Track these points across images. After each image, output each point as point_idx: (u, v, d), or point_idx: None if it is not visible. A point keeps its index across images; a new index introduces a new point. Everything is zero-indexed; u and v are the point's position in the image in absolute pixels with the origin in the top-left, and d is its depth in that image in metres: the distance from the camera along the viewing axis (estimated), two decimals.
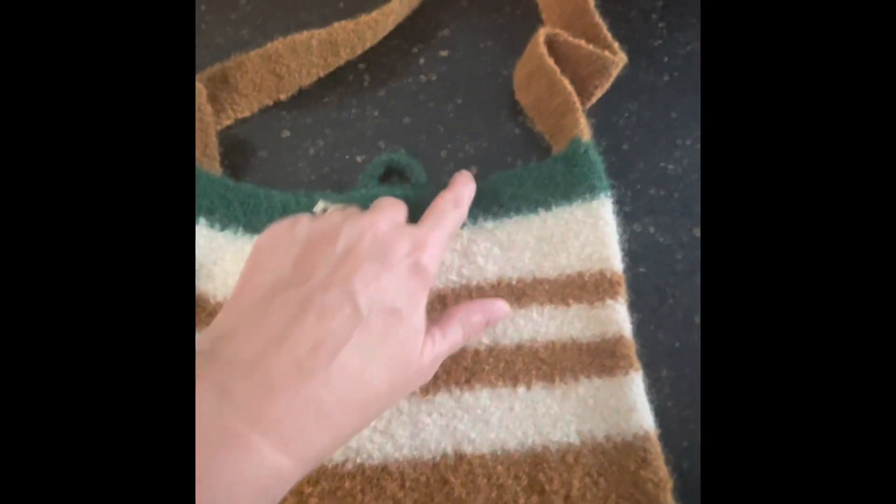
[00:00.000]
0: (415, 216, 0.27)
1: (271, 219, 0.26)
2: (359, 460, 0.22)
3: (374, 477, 0.22)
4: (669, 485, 0.22)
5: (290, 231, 0.21)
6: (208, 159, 0.28)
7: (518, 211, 0.26)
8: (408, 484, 0.22)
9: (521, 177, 0.27)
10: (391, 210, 0.23)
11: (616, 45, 0.29)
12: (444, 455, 0.23)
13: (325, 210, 0.24)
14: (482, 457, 0.22)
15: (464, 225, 0.26)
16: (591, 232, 0.25)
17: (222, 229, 0.26)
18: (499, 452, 0.23)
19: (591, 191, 0.26)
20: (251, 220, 0.26)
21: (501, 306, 0.23)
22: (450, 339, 0.22)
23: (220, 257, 0.25)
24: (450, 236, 0.23)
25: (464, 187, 0.25)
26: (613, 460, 0.22)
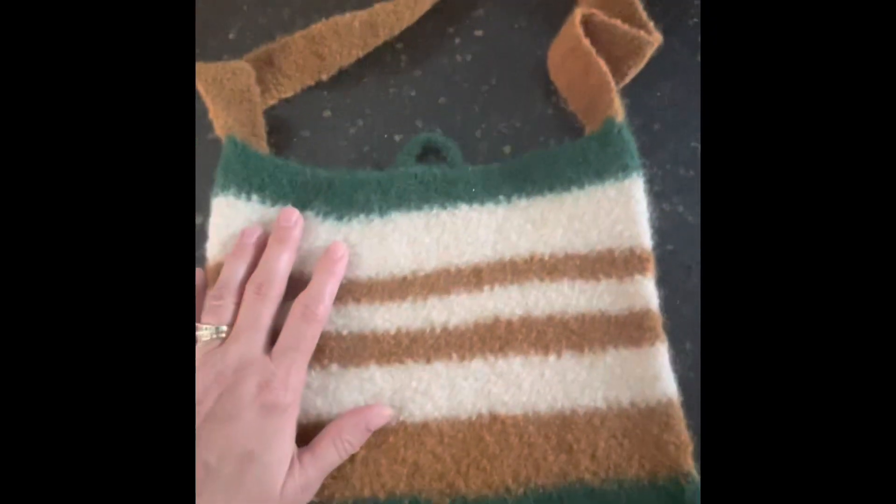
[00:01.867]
0: (451, 194, 0.28)
1: (317, 195, 0.28)
2: (402, 418, 0.25)
3: (416, 433, 0.24)
4: (690, 448, 0.23)
5: None
6: (256, 138, 0.29)
7: (551, 189, 0.27)
8: (446, 440, 0.24)
9: (555, 156, 0.28)
10: (244, 345, 0.23)
11: (651, 24, 0.29)
12: (480, 415, 0.24)
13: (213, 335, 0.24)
14: (514, 417, 0.24)
15: (498, 202, 0.28)
16: (623, 210, 0.26)
17: (273, 204, 0.27)
18: (530, 414, 0.24)
19: (623, 170, 0.27)
20: (299, 195, 0.28)
21: (379, 413, 0.24)
22: (321, 462, 0.23)
23: (272, 230, 0.27)
24: (306, 351, 0.24)
25: (321, 284, 0.25)
26: (637, 424, 0.24)
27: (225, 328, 0.24)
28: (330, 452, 0.23)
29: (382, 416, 0.24)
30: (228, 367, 0.22)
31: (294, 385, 0.23)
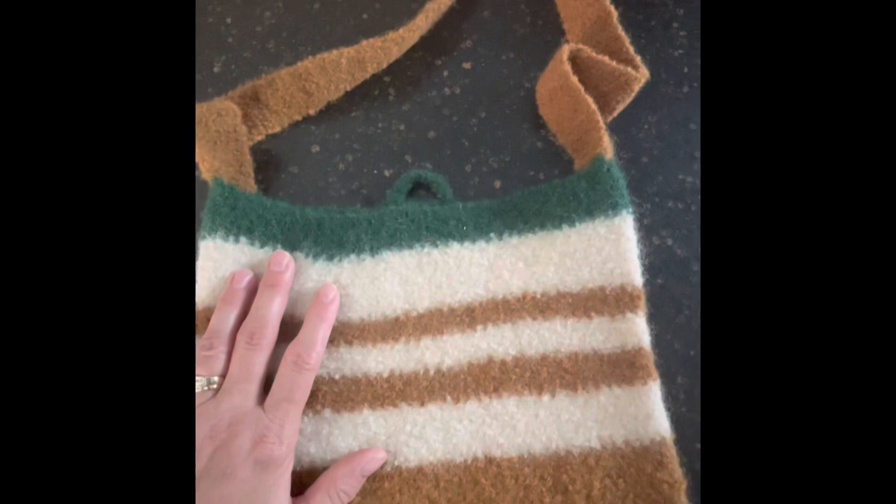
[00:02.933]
0: (443, 232, 0.28)
1: (307, 236, 0.27)
2: (396, 463, 0.24)
3: (411, 478, 0.24)
4: (683, 486, 0.23)
5: None
6: (244, 177, 0.29)
7: (542, 227, 0.27)
8: (441, 484, 0.24)
9: (546, 193, 0.28)
10: (238, 398, 0.22)
11: (638, 59, 0.29)
12: (475, 458, 0.24)
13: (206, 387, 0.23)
14: (510, 459, 0.24)
15: (489, 240, 0.28)
16: (613, 248, 0.26)
17: (262, 246, 0.27)
18: (525, 456, 0.24)
19: (613, 208, 0.27)
20: (288, 236, 0.27)
21: (373, 457, 0.24)
22: None
23: (262, 273, 0.27)
24: (300, 401, 0.23)
25: (312, 330, 0.24)
26: (632, 463, 0.24)
27: (216, 379, 0.23)
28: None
29: (376, 460, 0.24)
30: (222, 421, 0.22)
31: (289, 437, 0.23)
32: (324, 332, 0.25)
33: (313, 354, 0.24)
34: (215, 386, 0.23)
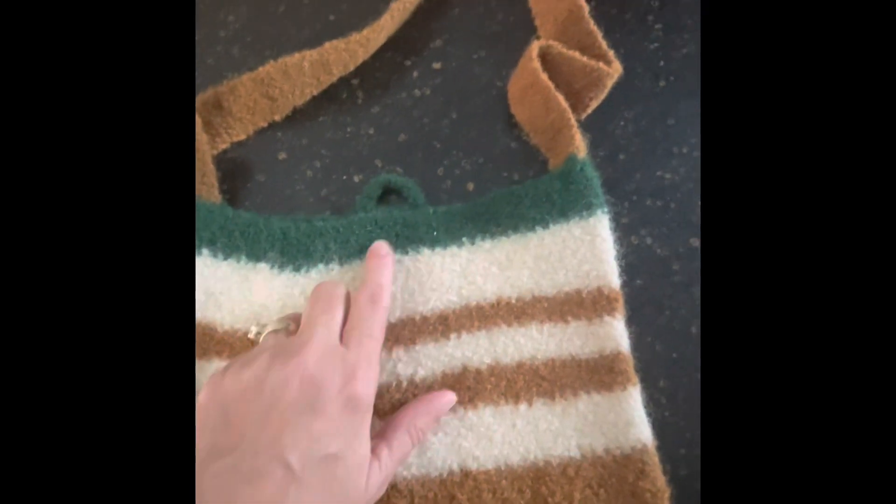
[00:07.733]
0: (413, 238, 0.27)
1: (272, 246, 0.27)
2: None
3: (384, 495, 0.23)
4: (667, 494, 0.23)
5: (219, 387, 0.20)
6: (206, 187, 0.28)
7: (516, 229, 0.27)
8: (416, 501, 0.23)
9: (519, 195, 0.27)
10: (323, 330, 0.21)
11: (611, 54, 0.28)
12: (451, 472, 0.24)
13: (258, 334, 0.23)
14: (487, 472, 0.23)
15: (461, 244, 0.27)
16: (589, 249, 0.26)
17: (225, 258, 0.26)
18: (503, 468, 0.23)
19: (587, 208, 0.26)
20: (253, 248, 0.26)
21: (448, 400, 0.24)
22: (397, 453, 0.22)
23: (227, 287, 0.26)
24: (379, 339, 0.23)
25: (377, 274, 0.24)
26: (613, 472, 0.23)
27: (292, 326, 0.23)
28: (405, 442, 0.22)
29: (450, 402, 0.24)
30: (309, 355, 0.20)
31: (375, 377, 0.21)
32: (388, 275, 0.24)
33: (385, 293, 0.23)
34: (292, 328, 0.23)
